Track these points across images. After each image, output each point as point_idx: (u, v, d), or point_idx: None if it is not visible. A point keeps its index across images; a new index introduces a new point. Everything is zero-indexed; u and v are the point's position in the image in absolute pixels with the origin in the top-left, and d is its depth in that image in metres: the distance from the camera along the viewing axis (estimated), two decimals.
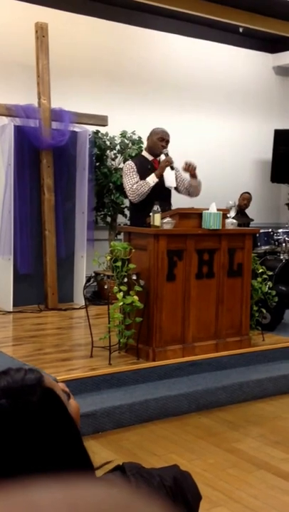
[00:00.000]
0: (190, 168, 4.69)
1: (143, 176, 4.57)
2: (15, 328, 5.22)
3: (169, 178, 4.68)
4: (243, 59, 8.03)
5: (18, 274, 5.81)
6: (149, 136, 4.78)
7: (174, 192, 4.87)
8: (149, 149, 4.72)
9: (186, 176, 4.82)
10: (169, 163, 4.50)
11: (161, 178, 4.59)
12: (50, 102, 5.87)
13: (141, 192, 4.51)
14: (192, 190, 4.85)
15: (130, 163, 4.68)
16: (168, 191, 4.74)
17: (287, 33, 7.02)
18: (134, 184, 4.52)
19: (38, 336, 4.87)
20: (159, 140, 4.63)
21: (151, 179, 4.51)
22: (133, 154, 6.43)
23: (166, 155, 4.56)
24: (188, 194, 4.90)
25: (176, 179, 4.78)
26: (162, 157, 4.61)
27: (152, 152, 4.68)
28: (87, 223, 6.09)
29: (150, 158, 4.68)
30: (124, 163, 6.15)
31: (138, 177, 4.54)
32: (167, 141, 4.67)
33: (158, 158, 4.67)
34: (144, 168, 4.60)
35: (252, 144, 8.16)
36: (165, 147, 4.62)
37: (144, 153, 4.79)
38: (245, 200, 7.14)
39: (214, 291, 4.43)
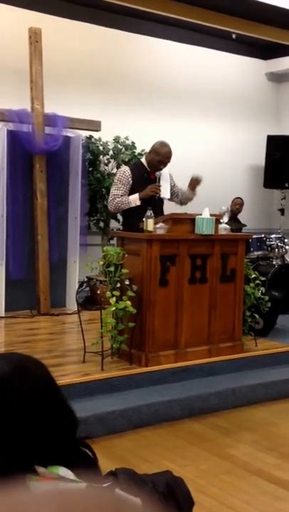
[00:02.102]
0: (196, 183, 4.78)
1: (137, 181, 4.59)
2: (7, 333, 5.19)
3: (164, 189, 4.70)
4: (236, 65, 8.07)
5: (10, 278, 5.79)
6: (151, 150, 4.75)
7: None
8: (147, 162, 4.72)
9: (180, 185, 4.87)
10: (155, 193, 4.54)
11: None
12: (43, 107, 5.87)
13: (120, 208, 4.61)
14: (184, 201, 4.94)
15: (126, 170, 4.67)
16: (161, 200, 4.75)
17: (280, 40, 7.06)
18: (117, 197, 4.57)
19: (30, 342, 4.85)
20: (159, 162, 4.63)
21: (134, 201, 4.54)
22: (126, 159, 6.43)
23: (159, 179, 4.59)
24: (179, 203, 4.97)
25: (171, 189, 4.81)
26: (157, 173, 4.66)
27: (149, 165, 4.69)
28: (80, 228, 6.09)
29: (147, 168, 4.70)
30: (117, 168, 6.18)
31: (125, 189, 4.57)
32: (167, 164, 4.69)
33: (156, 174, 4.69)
34: (140, 175, 4.62)
35: (245, 150, 8.18)
36: (161, 168, 4.64)
37: (144, 161, 4.79)
38: (237, 205, 7.16)
39: (207, 297, 4.42)
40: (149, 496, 0.95)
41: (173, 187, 4.85)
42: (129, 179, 4.59)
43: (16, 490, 0.36)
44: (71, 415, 0.80)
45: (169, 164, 4.74)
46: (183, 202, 4.94)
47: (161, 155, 4.63)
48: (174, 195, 4.86)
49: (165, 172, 4.73)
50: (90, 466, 0.79)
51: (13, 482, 0.38)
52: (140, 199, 4.53)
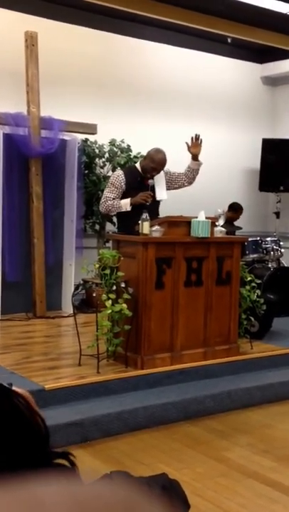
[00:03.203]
0: (197, 143, 4.81)
1: (130, 186, 4.66)
2: (2, 336, 5.18)
3: (160, 191, 4.76)
4: (231, 69, 8.10)
5: (6, 281, 5.78)
6: (146, 156, 4.82)
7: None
8: (142, 167, 4.79)
9: (179, 169, 4.92)
10: (145, 201, 4.59)
11: (152, 190, 4.68)
12: (39, 110, 5.87)
13: (111, 211, 4.70)
14: (192, 175, 4.96)
15: (120, 175, 4.74)
16: (157, 202, 4.80)
17: (276, 44, 7.10)
18: (109, 200, 4.66)
19: (26, 344, 4.84)
20: (152, 169, 4.70)
21: (125, 205, 4.62)
22: (122, 162, 6.45)
23: (152, 187, 4.65)
24: (188, 183, 4.99)
25: (172, 182, 4.89)
26: (151, 181, 4.72)
27: (144, 171, 4.75)
28: (76, 231, 6.09)
29: (142, 174, 4.75)
30: (112, 171, 6.19)
31: (118, 192, 4.65)
32: (160, 171, 4.76)
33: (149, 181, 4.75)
34: (134, 180, 4.68)
35: (240, 153, 8.21)
36: (153, 176, 4.71)
37: (138, 166, 4.85)
38: (232, 210, 7.11)
39: (203, 300, 4.43)
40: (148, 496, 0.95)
41: (174, 180, 4.91)
42: (122, 184, 4.68)
43: (27, 486, 0.36)
44: (38, 427, 0.77)
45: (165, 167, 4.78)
46: (192, 180, 4.99)
47: (155, 162, 4.70)
48: (180, 182, 4.92)
49: (161, 178, 4.79)
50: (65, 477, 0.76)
51: (24, 479, 0.38)
52: (131, 205, 4.61)
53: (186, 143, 4.93)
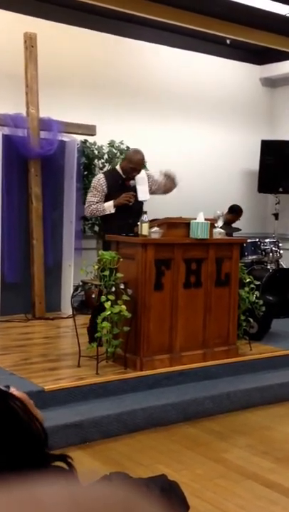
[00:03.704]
0: (169, 178, 4.91)
1: (112, 188, 4.73)
2: (1, 337, 5.18)
3: (143, 192, 4.83)
4: (230, 70, 8.11)
5: (5, 282, 5.78)
6: (125, 158, 4.97)
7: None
8: (122, 168, 4.88)
9: (157, 177, 5.01)
10: (128, 202, 4.66)
11: (134, 191, 4.75)
12: (38, 112, 5.88)
13: (95, 214, 4.79)
14: (167, 192, 5.06)
15: (100, 178, 4.83)
16: (140, 203, 4.86)
17: (275, 45, 7.11)
18: (92, 204, 4.74)
19: (25, 346, 4.84)
20: (132, 169, 4.78)
21: (109, 208, 4.70)
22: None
23: (133, 187, 4.73)
24: (163, 193, 5.09)
25: (152, 186, 4.95)
26: (132, 182, 4.79)
27: (124, 173, 4.83)
28: (75, 232, 6.09)
29: (123, 175, 4.82)
30: None
31: (100, 196, 4.72)
32: (140, 170, 4.84)
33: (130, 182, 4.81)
34: (115, 182, 4.76)
35: (239, 155, 8.21)
36: (135, 176, 4.78)
37: (119, 168, 4.93)
38: (233, 213, 7.10)
39: (202, 301, 4.43)
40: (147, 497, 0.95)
41: (153, 184, 4.97)
42: (104, 187, 4.75)
43: (27, 486, 0.36)
44: (36, 430, 0.77)
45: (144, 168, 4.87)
46: (166, 192, 5.09)
47: (133, 162, 4.77)
48: (157, 190, 5.00)
49: (141, 176, 4.86)
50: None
51: (22, 479, 0.38)
52: (114, 206, 4.67)
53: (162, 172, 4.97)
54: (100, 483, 0.80)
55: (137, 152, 4.88)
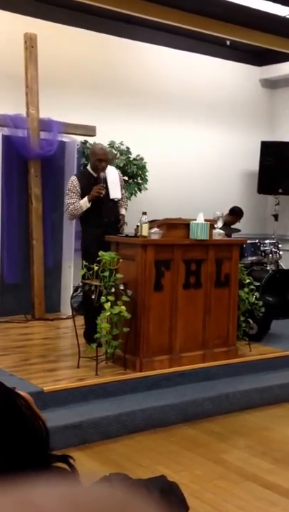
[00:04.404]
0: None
1: (86, 188, 4.79)
2: (1, 338, 5.17)
3: (114, 190, 4.90)
4: (230, 71, 8.11)
5: (5, 283, 5.78)
6: (90, 152, 5.13)
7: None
8: (91, 167, 4.96)
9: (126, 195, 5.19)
10: (99, 193, 4.73)
11: (106, 190, 4.81)
12: (38, 112, 5.88)
13: (74, 213, 4.85)
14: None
15: (73, 180, 4.91)
16: (113, 202, 4.91)
17: (274, 46, 7.11)
18: (71, 205, 4.83)
19: (25, 346, 4.84)
20: (98, 161, 4.84)
21: (84, 203, 4.78)
22: (121, 165, 6.45)
23: (104, 180, 4.80)
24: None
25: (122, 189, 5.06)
26: (102, 174, 4.84)
27: (94, 170, 4.90)
28: (75, 233, 6.08)
29: (94, 174, 4.89)
30: None
31: (76, 197, 4.80)
32: (106, 160, 4.92)
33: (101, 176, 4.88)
34: (87, 182, 4.83)
35: (239, 156, 8.21)
36: (105, 168, 4.85)
37: (89, 168, 5.02)
38: (234, 215, 7.09)
39: (201, 302, 4.43)
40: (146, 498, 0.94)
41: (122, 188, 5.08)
42: (77, 188, 4.82)
43: (23, 488, 0.36)
44: (39, 429, 0.76)
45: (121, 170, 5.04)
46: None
47: (97, 154, 4.87)
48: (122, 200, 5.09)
49: (114, 175, 4.96)
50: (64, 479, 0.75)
51: (18, 481, 0.38)
52: (89, 201, 4.75)
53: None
54: (99, 484, 0.80)
55: (96, 144, 5.12)
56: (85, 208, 4.76)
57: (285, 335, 5.42)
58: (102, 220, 4.74)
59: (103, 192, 4.74)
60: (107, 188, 4.82)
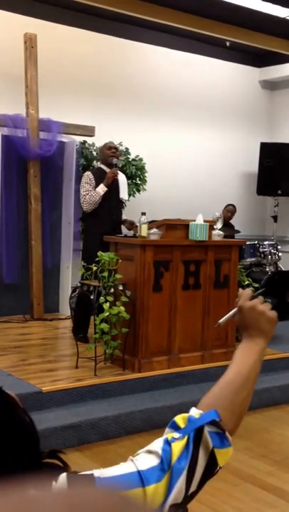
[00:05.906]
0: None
1: (100, 182, 4.96)
2: (0, 338, 5.17)
3: (122, 190, 5.14)
4: (229, 73, 8.11)
5: (4, 283, 5.77)
6: (99, 151, 5.41)
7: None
8: (103, 162, 5.19)
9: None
10: (114, 174, 4.97)
11: (116, 189, 5.03)
12: (38, 112, 5.87)
13: (92, 201, 4.96)
14: None
15: (88, 174, 5.11)
16: (121, 203, 5.15)
17: (274, 48, 7.11)
18: (87, 195, 4.97)
19: (23, 347, 4.83)
20: (107, 149, 5.10)
21: (101, 188, 4.96)
22: (120, 165, 6.44)
23: (115, 165, 5.05)
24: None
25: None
26: (114, 160, 5.07)
27: (106, 163, 5.11)
28: (74, 233, 6.08)
29: (106, 169, 5.08)
30: None
31: (92, 187, 4.98)
32: (116, 148, 5.19)
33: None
34: (101, 178, 5.00)
35: (238, 157, 8.21)
36: (115, 154, 5.11)
37: (101, 165, 5.23)
38: (230, 212, 7.15)
39: (200, 303, 4.43)
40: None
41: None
42: (92, 180, 5.00)
43: (22, 489, 0.36)
44: (28, 428, 0.76)
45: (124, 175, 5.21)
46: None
47: (106, 145, 5.15)
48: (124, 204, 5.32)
49: (122, 177, 5.19)
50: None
51: (18, 481, 0.37)
52: (105, 186, 4.92)
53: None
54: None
55: (105, 142, 5.28)
56: (102, 193, 4.92)
57: (284, 337, 5.41)
58: (111, 217, 4.96)
59: (117, 174, 4.97)
60: (117, 186, 5.03)
